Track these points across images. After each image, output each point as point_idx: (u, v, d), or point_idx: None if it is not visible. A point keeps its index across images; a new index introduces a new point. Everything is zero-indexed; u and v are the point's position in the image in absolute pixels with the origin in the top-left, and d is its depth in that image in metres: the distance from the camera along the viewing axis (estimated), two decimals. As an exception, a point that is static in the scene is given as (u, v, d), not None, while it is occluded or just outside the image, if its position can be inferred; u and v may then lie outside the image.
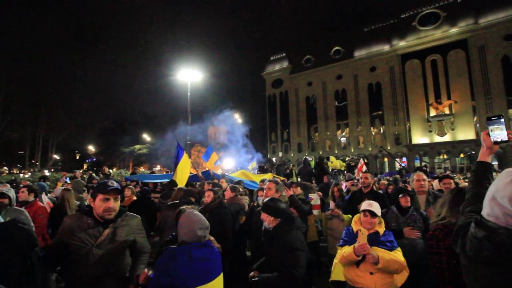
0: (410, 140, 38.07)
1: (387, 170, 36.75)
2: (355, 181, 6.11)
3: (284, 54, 50.96)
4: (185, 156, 6.62)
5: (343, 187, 6.21)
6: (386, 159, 40.04)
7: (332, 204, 4.31)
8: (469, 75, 34.45)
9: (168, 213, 3.93)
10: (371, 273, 2.32)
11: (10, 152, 30.71)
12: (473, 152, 33.49)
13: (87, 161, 40.03)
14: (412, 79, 38.10)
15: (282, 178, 7.19)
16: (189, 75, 18.61)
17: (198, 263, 1.74)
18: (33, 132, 27.77)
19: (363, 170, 7.94)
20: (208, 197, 3.95)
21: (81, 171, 12.80)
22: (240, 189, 4.27)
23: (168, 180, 6.25)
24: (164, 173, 14.99)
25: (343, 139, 44.71)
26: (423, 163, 29.26)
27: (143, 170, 24.09)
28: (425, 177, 3.56)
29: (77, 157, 42.62)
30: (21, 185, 5.62)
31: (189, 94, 18.61)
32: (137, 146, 40.17)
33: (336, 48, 45.29)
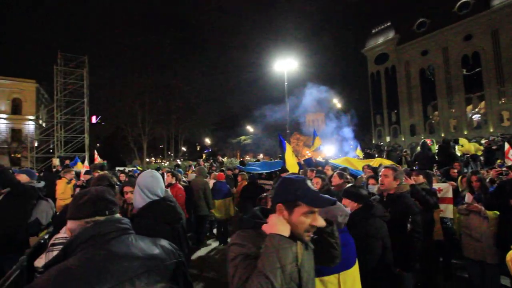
0: None
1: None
2: (504, 169, 4.72)
3: (389, 24, 44.32)
4: (288, 146, 6.85)
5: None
6: (551, 140, 29.29)
7: (469, 197, 3.50)
8: None
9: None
10: None
11: (155, 146, 39.99)
12: None
13: (205, 151, 47.41)
14: None
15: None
16: (285, 65, 18.88)
17: (341, 248, 1.72)
18: (168, 130, 35.16)
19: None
20: (316, 184, 3.94)
21: (202, 160, 15.27)
22: (348, 176, 4.03)
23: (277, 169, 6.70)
24: (267, 160, 16.00)
25: (476, 117, 35.41)
26: None
27: (248, 158, 26.52)
28: None
29: (198, 149, 51.08)
30: (163, 172, 7.21)
31: (286, 83, 18.95)
32: (243, 137, 44.53)
33: (464, 0, 35.65)
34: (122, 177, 6.86)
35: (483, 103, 34.66)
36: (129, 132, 31.96)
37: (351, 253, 1.86)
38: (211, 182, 6.48)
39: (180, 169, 11.46)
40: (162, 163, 24.52)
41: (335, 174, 4.42)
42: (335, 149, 16.65)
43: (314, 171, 6.04)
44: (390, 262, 2.47)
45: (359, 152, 10.18)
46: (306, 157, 7.96)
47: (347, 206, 2.40)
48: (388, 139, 42.77)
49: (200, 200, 6.02)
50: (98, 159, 12.64)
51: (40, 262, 1.77)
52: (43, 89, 33.41)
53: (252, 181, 6.18)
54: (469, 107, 35.97)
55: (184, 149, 42.14)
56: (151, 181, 2.11)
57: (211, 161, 13.83)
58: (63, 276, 0.87)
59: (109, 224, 1.06)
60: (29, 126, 30.80)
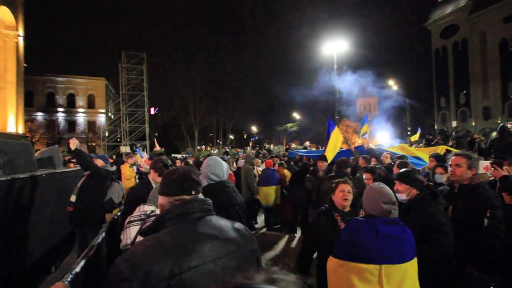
0: None
1: None
2: None
3: (460, -11, 38.11)
4: (336, 130, 6.47)
5: None
6: None
7: None
8: None
9: (326, 185, 4.11)
10: None
11: (205, 135, 42.45)
12: None
13: (251, 139, 48.42)
14: None
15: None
16: (335, 47, 17.79)
17: (385, 239, 1.65)
18: (217, 119, 36.92)
19: None
20: (368, 180, 3.70)
21: (249, 147, 15.62)
22: (409, 166, 3.69)
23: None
24: (314, 149, 15.55)
25: None
26: None
27: (295, 146, 26.21)
28: None
29: (245, 137, 52.42)
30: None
31: (335, 67, 17.93)
32: (289, 125, 44.09)
33: None
34: (178, 162, 7.42)
35: None
36: (182, 121, 34.46)
37: (404, 246, 1.68)
38: (257, 169, 6.61)
39: (229, 156, 11.91)
40: (212, 151, 25.89)
41: (396, 164, 4.10)
42: (389, 135, 15.32)
43: (365, 158, 5.70)
44: (458, 259, 2.22)
45: (414, 137, 9.16)
46: (357, 144, 7.46)
47: (401, 192, 2.26)
48: (454, 123, 37.68)
49: (246, 185, 6.19)
50: (157, 147, 13.89)
51: (122, 243, 2.02)
52: (110, 85, 37.95)
53: (304, 167, 6.21)
54: None
55: (231, 137, 43.74)
56: (215, 165, 2.26)
57: (257, 148, 14.05)
58: (158, 247, 0.94)
59: (195, 203, 1.10)
60: (101, 118, 35.67)
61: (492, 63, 34.98)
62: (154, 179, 2.73)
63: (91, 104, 36.57)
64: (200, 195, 1.19)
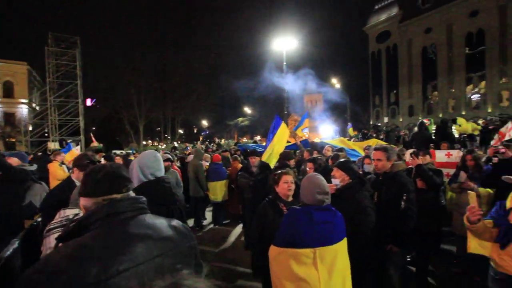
0: None
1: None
2: (500, 147, 4.69)
3: None
4: (282, 126, 6.64)
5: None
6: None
7: (463, 175, 3.50)
8: None
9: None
10: None
11: (152, 129, 39.89)
12: None
13: (202, 133, 47.33)
14: None
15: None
16: (284, 44, 18.33)
17: (319, 225, 1.80)
18: (164, 112, 34.89)
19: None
20: (310, 169, 3.91)
21: (199, 142, 15.24)
22: (341, 156, 4.02)
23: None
24: (264, 144, 15.91)
25: (475, 97, 35.16)
26: None
27: (246, 140, 26.49)
28: None
29: (195, 131, 50.96)
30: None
31: (284, 63, 18.52)
32: (240, 119, 44.23)
33: (471, -26, 34.31)
34: (118, 159, 6.80)
35: (483, 82, 34.28)
36: (125, 114, 31.66)
37: (335, 229, 1.86)
38: (205, 164, 6.46)
39: (177, 151, 11.41)
40: (159, 146, 24.47)
41: (331, 156, 4.42)
42: (332, 130, 16.55)
43: (312, 152, 6.04)
44: (380, 237, 2.52)
45: (351, 131, 10.10)
46: (303, 138, 7.86)
47: (337, 178, 2.49)
48: (386, 119, 42.65)
49: (195, 182, 6.03)
50: (95, 142, 12.56)
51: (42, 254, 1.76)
52: (35, 72, 32.62)
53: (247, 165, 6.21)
54: (469, 87, 35.62)
55: (181, 131, 42.01)
56: (153, 161, 2.06)
57: (207, 143, 13.79)
58: (80, 253, 0.85)
59: (126, 202, 1.02)
60: (22, 110, 30.39)
61: (416, 67, 40.32)
62: (79, 178, 2.43)
63: (8, 92, 30.82)
64: (131, 193, 1.10)
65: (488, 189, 3.31)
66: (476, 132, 9.77)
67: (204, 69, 35.43)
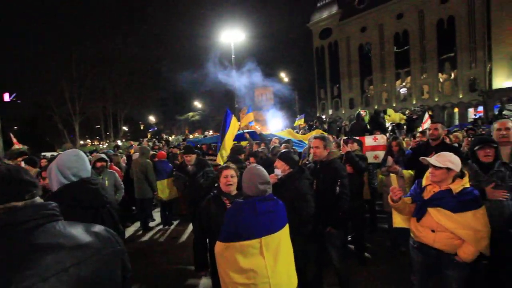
0: (490, 85, 31.96)
1: (457, 122, 32.20)
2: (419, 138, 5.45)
3: (333, -2, 45.48)
4: (233, 120, 6.59)
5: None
6: (456, 110, 34.91)
7: (390, 160, 3.93)
8: None
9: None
10: (433, 231, 2.17)
11: (90, 126, 35.90)
12: None
13: (149, 130, 44.50)
14: (499, 6, 30.51)
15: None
16: (232, 36, 18.15)
17: (263, 215, 1.83)
18: (104, 107, 31.57)
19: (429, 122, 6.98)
20: (252, 163, 3.97)
21: (146, 139, 14.28)
22: (281, 149, 4.20)
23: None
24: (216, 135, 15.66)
25: (403, 90, 39.96)
26: (505, 111, 24.42)
27: (198, 135, 25.78)
28: (510, 125, 2.88)
29: (142, 128, 47.66)
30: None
31: (233, 56, 18.38)
32: (190, 114, 42.78)
33: (397, -20, 38.39)
34: (44, 162, 5.96)
35: (409, 78, 39.09)
36: (55, 111, 27.77)
37: (278, 217, 1.92)
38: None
39: (121, 150, 10.53)
40: (100, 145, 22.21)
41: (281, 147, 4.56)
42: (282, 122, 17.13)
43: (260, 144, 6.14)
44: (320, 221, 2.71)
45: (298, 122, 10.62)
46: (253, 130, 7.93)
47: (279, 168, 2.59)
48: (330, 111, 45.84)
49: (142, 182, 5.65)
50: (17, 144, 10.83)
51: None
52: None
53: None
54: (398, 82, 40.28)
55: (125, 128, 38.77)
56: (75, 161, 1.84)
57: (154, 140, 13.02)
58: None
59: (29, 210, 0.91)
60: None
61: (354, 63, 43.98)
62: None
63: None
64: (38, 199, 0.98)
65: (410, 171, 3.78)
66: (403, 121, 11.13)
67: (149, 59, 32.89)
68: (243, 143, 7.56)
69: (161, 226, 6.02)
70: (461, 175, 2.17)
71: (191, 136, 24.80)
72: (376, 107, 35.94)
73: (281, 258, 1.87)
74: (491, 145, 2.57)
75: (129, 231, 5.84)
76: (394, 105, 37.93)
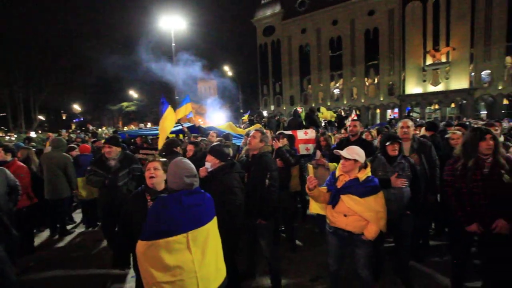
0: (404, 91, 37.64)
1: (378, 121, 37.04)
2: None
3: (276, -3, 46.78)
4: (169, 110, 6.23)
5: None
6: (378, 111, 40.08)
7: (318, 154, 4.25)
8: (471, 18, 32.58)
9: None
10: (345, 215, 2.45)
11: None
12: (465, 102, 33.61)
13: (74, 121, 38.98)
14: (411, 24, 35.95)
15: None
16: (172, 23, 17.07)
17: (190, 209, 1.79)
18: (11, 93, 26.26)
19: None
20: (189, 151, 3.84)
21: (65, 131, 12.46)
22: (225, 141, 4.15)
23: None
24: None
25: (336, 91, 43.96)
26: (411, 113, 29.33)
27: (133, 127, 23.71)
28: (410, 124, 3.44)
29: (64, 117, 41.35)
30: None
31: (173, 44, 17.34)
32: (125, 104, 38.87)
33: (333, -12, 41.62)
34: None
35: (341, 80, 43.14)
36: None
37: (205, 210, 1.90)
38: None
39: (34, 143, 9.02)
40: (7, 137, 18.45)
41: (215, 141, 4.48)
42: (224, 117, 17.03)
43: (197, 138, 5.94)
44: (250, 213, 2.77)
45: (246, 118, 10.74)
46: (192, 123, 7.62)
47: (209, 162, 2.59)
48: (272, 107, 47.61)
49: (56, 180, 4.88)
50: None
51: None
52: None
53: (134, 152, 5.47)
54: (332, 83, 44.09)
55: (42, 118, 33.05)
56: None
57: (78, 132, 11.47)
58: None
59: None
60: None
61: (295, 62, 46.38)
62: None
63: None
64: None
65: (335, 164, 4.16)
66: (334, 119, 12.22)
67: (74, 40, 28.57)
68: (181, 136, 7.26)
69: (83, 229, 5.36)
70: (365, 166, 2.49)
71: (125, 128, 22.67)
72: (313, 105, 38.73)
73: (209, 251, 1.86)
74: (398, 141, 3.00)
75: (42, 237, 5.04)
76: (328, 104, 41.48)
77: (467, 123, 7.63)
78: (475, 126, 2.94)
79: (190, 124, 7.19)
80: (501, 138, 4.24)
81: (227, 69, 28.72)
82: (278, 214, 3.55)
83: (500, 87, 32.02)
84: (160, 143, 5.14)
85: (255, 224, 2.88)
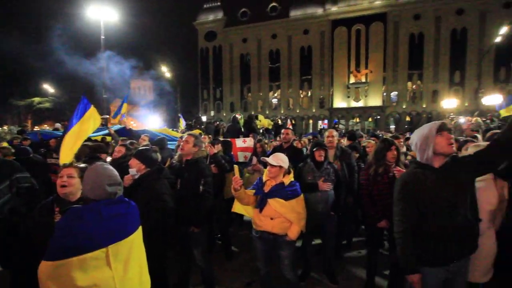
0: (332, 104, 42.06)
1: (311, 131, 40.38)
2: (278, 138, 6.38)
3: (218, 3, 46.96)
4: (90, 113, 5.42)
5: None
6: (311, 121, 43.67)
7: (254, 160, 4.37)
8: (384, 48, 38.74)
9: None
10: (272, 218, 2.58)
11: None
12: (379, 117, 39.49)
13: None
14: (339, 46, 40.71)
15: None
16: (102, 13, 15.39)
17: (111, 220, 1.60)
18: None
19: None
20: (118, 152, 3.47)
21: None
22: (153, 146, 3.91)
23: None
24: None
25: (274, 100, 46.26)
26: (337, 125, 33.02)
27: (47, 127, 20.31)
28: (334, 133, 3.86)
29: None
30: None
31: (102, 37, 15.62)
32: (37, 99, 32.91)
33: (273, 4, 44.04)
34: None
35: (279, 91, 45.64)
36: None
37: (129, 221, 1.72)
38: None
39: None
40: None
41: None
42: (161, 120, 16.08)
43: (127, 141, 5.43)
44: (182, 221, 2.65)
45: (181, 124, 10.37)
46: (123, 125, 6.94)
47: (134, 167, 2.40)
48: (212, 113, 47.21)
49: None
50: None
51: None
52: None
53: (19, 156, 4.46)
54: (271, 93, 46.27)
55: None
56: None
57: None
58: None
59: None
60: None
61: (236, 69, 47.14)
62: None
63: None
64: None
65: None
66: (271, 127, 12.79)
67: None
68: (108, 139, 6.55)
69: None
70: (289, 171, 2.69)
71: (36, 128, 19.22)
72: (252, 113, 39.90)
73: (132, 264, 1.68)
74: (324, 148, 3.32)
75: None
76: (267, 112, 43.28)
77: (380, 135, 8.97)
78: (384, 137, 3.46)
79: (119, 127, 6.56)
80: (404, 149, 5.09)
81: (165, 70, 27.26)
82: (212, 221, 3.48)
83: (404, 106, 38.82)
84: (72, 148, 4.35)
85: (188, 232, 2.76)
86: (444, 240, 1.75)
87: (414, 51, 37.63)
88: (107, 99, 16.64)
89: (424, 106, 37.53)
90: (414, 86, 38.66)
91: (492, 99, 11.70)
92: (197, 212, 2.68)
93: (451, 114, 15.57)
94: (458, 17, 36.01)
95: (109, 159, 3.85)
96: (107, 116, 11.01)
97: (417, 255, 1.80)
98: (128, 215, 1.73)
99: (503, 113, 7.63)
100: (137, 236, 1.78)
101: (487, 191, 2.03)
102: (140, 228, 1.81)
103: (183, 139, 2.91)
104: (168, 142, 5.84)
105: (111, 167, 1.77)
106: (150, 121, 15.74)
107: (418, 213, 1.80)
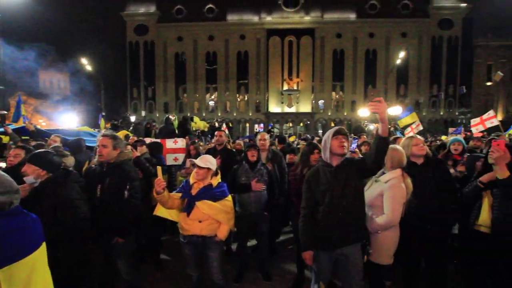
0: (268, 109, 44.03)
1: (248, 133, 41.35)
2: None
3: (150, -4, 43.88)
4: None
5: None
6: (248, 124, 44.73)
7: (188, 163, 4.24)
8: (312, 59, 42.64)
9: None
10: (200, 221, 2.55)
11: None
12: (309, 122, 43.22)
13: None
14: (273, 54, 43.00)
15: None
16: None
17: (4, 238, 1.31)
18: None
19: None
20: (15, 157, 2.89)
21: None
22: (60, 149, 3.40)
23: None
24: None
25: (211, 103, 45.76)
26: (272, 128, 34.83)
27: None
28: (266, 137, 4.09)
29: None
30: None
31: (-1, 16, 12.81)
32: None
33: (210, 6, 43.67)
34: None
35: (216, 93, 45.35)
36: None
37: (28, 236, 1.44)
38: None
39: None
40: None
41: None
42: (78, 119, 14.08)
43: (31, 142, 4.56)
44: (104, 231, 2.39)
45: (102, 124, 9.32)
46: (28, 128, 5.76)
47: (29, 174, 2.05)
48: (143, 113, 43.79)
49: None
50: None
51: None
52: None
53: None
54: (208, 95, 45.59)
55: None
56: None
57: None
58: None
59: None
60: None
61: (170, 68, 44.81)
62: None
63: None
64: None
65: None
66: (207, 129, 12.61)
67: None
68: (6, 139, 5.42)
69: None
70: (216, 173, 2.71)
71: None
72: (188, 114, 38.58)
73: (33, 286, 1.40)
74: (256, 148, 3.46)
75: None
76: (204, 114, 42.45)
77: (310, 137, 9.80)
78: (310, 141, 3.81)
79: (17, 126, 5.50)
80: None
81: (86, 63, 23.97)
82: (139, 230, 3.22)
83: (329, 113, 43.48)
84: None
85: (111, 244, 2.48)
86: (328, 228, 2.10)
87: (337, 65, 42.66)
88: (3, 91, 13.62)
89: (345, 114, 42.73)
90: (337, 96, 43.70)
91: (394, 110, 14.10)
92: (121, 220, 2.43)
93: (366, 121, 18.28)
94: (370, 40, 42.42)
95: (3, 164, 3.17)
96: (4, 112, 9.12)
97: (313, 238, 2.18)
98: (28, 228, 1.43)
99: (402, 122, 9.21)
100: (40, 254, 1.48)
101: (398, 186, 2.35)
102: (44, 245, 1.52)
103: (99, 143, 2.56)
104: (92, 139, 5.17)
105: (3, 173, 1.46)
106: (65, 119, 13.62)
107: (315, 203, 2.19)
